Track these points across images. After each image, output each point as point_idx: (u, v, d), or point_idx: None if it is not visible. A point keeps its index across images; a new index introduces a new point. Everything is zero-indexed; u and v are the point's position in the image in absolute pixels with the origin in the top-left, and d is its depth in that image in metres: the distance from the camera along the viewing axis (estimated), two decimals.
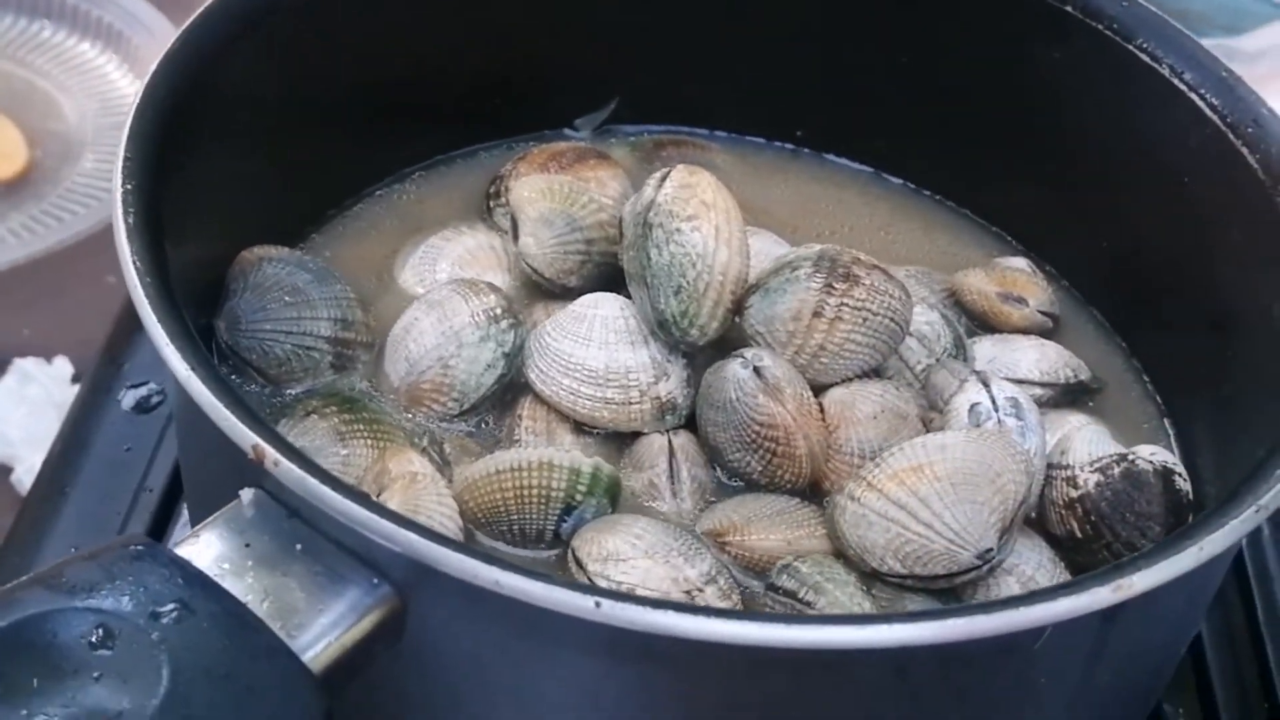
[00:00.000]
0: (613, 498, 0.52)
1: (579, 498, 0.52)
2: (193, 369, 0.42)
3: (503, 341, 0.55)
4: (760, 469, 0.53)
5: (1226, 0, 1.05)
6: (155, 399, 0.69)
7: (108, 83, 0.97)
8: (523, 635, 0.41)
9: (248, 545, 0.41)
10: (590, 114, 0.70)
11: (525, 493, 0.52)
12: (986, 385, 0.55)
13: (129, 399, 0.68)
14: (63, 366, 0.77)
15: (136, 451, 0.65)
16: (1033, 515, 0.54)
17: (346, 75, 0.61)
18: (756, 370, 0.53)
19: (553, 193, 0.60)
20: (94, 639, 0.37)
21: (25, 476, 0.72)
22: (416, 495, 0.51)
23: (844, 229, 0.68)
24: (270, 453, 0.40)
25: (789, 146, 0.71)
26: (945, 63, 0.66)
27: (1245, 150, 0.57)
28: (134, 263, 0.45)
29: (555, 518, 0.52)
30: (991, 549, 0.49)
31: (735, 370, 0.53)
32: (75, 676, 0.36)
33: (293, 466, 0.40)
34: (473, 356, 0.55)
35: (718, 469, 0.55)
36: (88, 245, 0.85)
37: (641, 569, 0.49)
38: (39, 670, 0.36)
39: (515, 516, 0.52)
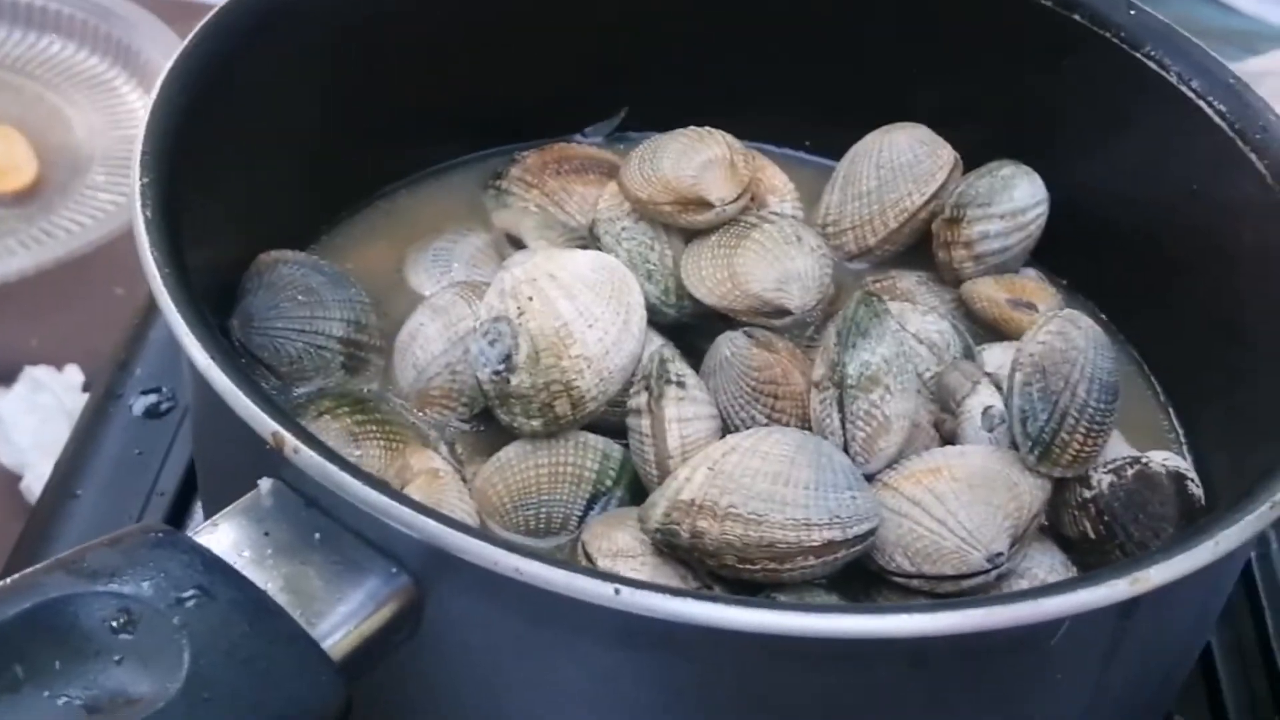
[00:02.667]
0: (633, 493, 0.53)
1: (608, 484, 0.53)
2: (212, 357, 0.42)
3: None
4: (765, 419, 0.54)
5: (1239, 24, 1.06)
6: (165, 405, 0.69)
7: (116, 97, 0.98)
8: (541, 624, 0.41)
9: (266, 534, 0.41)
10: (600, 123, 0.70)
11: (559, 470, 0.53)
12: (999, 389, 0.55)
13: (140, 405, 0.69)
14: (73, 374, 0.78)
15: (148, 455, 0.66)
16: (1045, 522, 0.54)
17: (360, 80, 0.62)
18: (747, 333, 0.55)
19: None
20: (116, 623, 0.37)
21: (35, 484, 0.72)
22: (440, 490, 0.51)
23: None
24: (290, 440, 0.40)
25: (799, 154, 0.71)
26: (952, 73, 0.67)
27: (1254, 156, 0.57)
28: (152, 254, 0.45)
29: (584, 502, 0.53)
30: (1002, 553, 0.50)
31: (728, 335, 0.55)
32: (97, 659, 0.37)
33: (313, 454, 0.40)
34: None
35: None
36: (96, 257, 0.85)
37: (651, 565, 0.49)
38: (61, 653, 0.36)
39: (546, 497, 0.53)
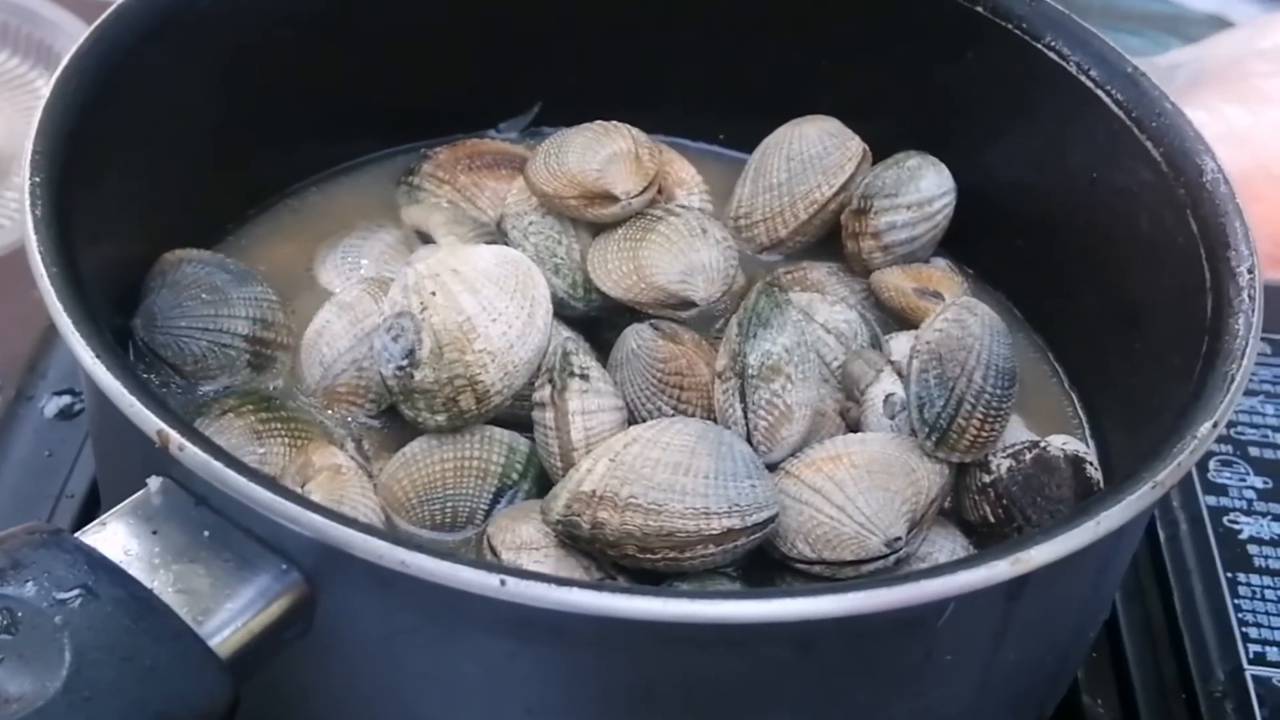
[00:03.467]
0: (540, 486, 0.53)
1: (515, 477, 0.53)
2: (98, 356, 0.42)
3: None
4: (672, 410, 0.54)
5: (1162, 9, 1.07)
6: (78, 406, 0.68)
7: (38, 99, 0.96)
8: (432, 619, 0.42)
9: (155, 533, 0.41)
10: (514, 118, 0.71)
11: (465, 464, 0.53)
12: (901, 376, 0.56)
13: (52, 406, 0.68)
14: None
15: (58, 457, 0.65)
16: (947, 505, 0.55)
17: (266, 78, 0.62)
18: (653, 326, 0.55)
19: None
20: None
21: None
22: (341, 487, 0.51)
23: None
24: (175, 438, 0.40)
25: (714, 148, 0.72)
26: (862, 67, 0.67)
27: (1150, 144, 0.58)
28: (40, 252, 0.45)
29: (490, 496, 0.53)
30: (900, 538, 0.50)
31: (635, 327, 0.55)
32: None
33: (198, 451, 0.40)
34: None
35: None
36: (13, 260, 0.84)
37: (554, 557, 0.49)
38: None
39: (452, 491, 0.53)
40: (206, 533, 0.42)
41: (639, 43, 0.69)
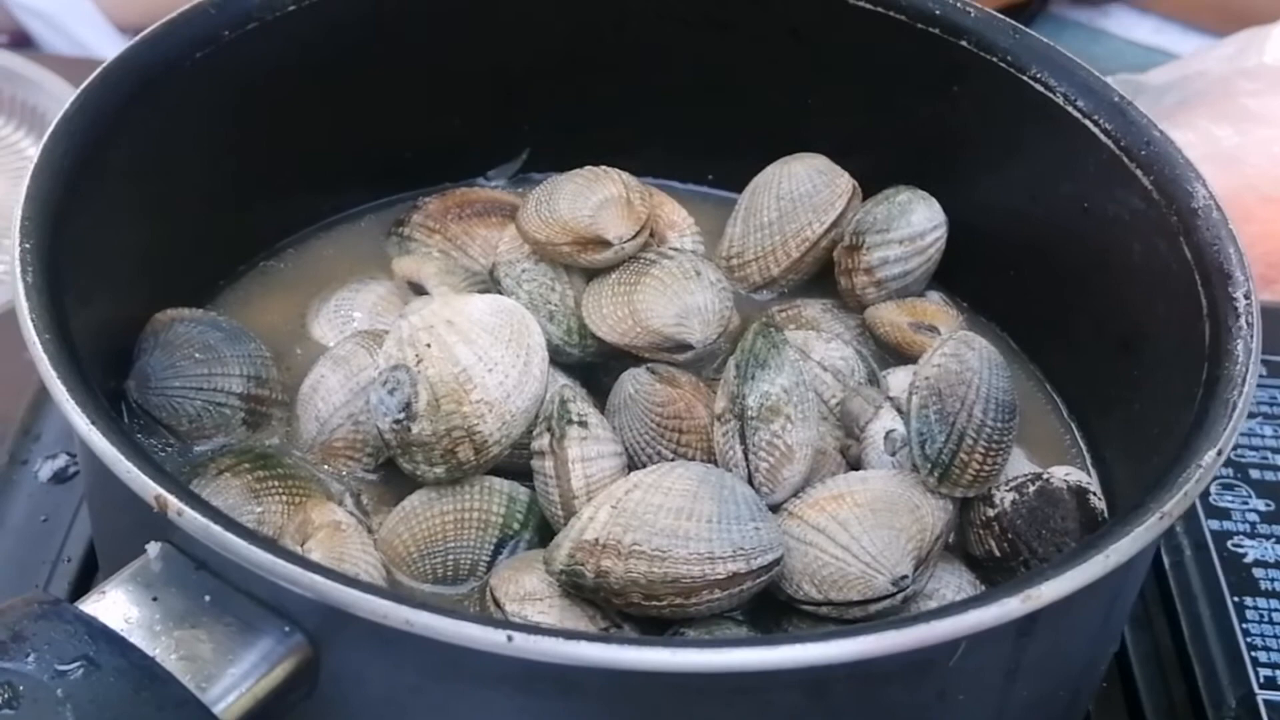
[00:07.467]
0: (542, 535, 0.53)
1: (516, 527, 0.53)
2: (93, 423, 0.42)
3: None
4: (672, 454, 0.54)
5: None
6: (73, 469, 0.68)
7: (23, 160, 0.97)
8: (438, 676, 0.41)
9: (155, 599, 0.41)
10: (502, 165, 0.71)
11: (465, 516, 0.53)
12: (901, 412, 0.56)
13: (46, 470, 0.68)
14: None
15: (54, 521, 0.65)
16: (952, 540, 0.55)
17: (252, 136, 0.61)
18: (650, 370, 0.55)
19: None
20: None
21: None
22: (342, 543, 0.51)
23: None
24: (173, 502, 0.40)
25: (703, 189, 0.72)
26: (849, 103, 0.68)
27: (1140, 172, 0.58)
28: (31, 319, 0.45)
29: (491, 547, 0.53)
30: (906, 576, 0.50)
31: (631, 372, 0.55)
32: None
33: (196, 515, 0.40)
34: None
35: None
36: (2, 322, 0.84)
37: (559, 607, 0.49)
38: None
39: (453, 543, 0.52)
40: (207, 597, 0.41)
41: (625, 86, 0.70)
